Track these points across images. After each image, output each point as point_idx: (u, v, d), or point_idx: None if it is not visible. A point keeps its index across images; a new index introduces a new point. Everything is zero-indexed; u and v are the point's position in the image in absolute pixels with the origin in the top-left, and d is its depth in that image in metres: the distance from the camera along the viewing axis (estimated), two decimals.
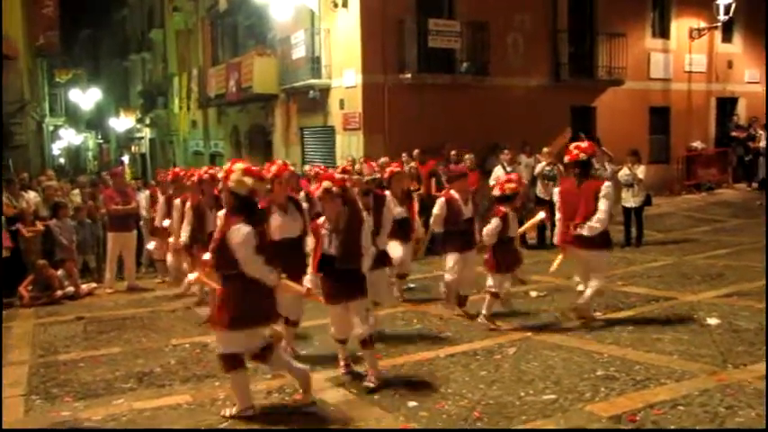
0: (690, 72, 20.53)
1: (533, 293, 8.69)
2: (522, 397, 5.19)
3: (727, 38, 21.13)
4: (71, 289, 10.27)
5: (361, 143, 15.78)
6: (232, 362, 5.01)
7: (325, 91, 17.05)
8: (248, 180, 4.97)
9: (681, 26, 20.32)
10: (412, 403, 5.17)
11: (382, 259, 7.15)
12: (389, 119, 15.72)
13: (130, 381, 6.05)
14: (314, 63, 17.08)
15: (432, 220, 7.79)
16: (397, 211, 8.08)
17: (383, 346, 6.71)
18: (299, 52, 17.39)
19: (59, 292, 10.18)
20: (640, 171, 12.03)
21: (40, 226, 10.91)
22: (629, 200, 12.10)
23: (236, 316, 4.91)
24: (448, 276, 7.61)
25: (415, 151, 13.69)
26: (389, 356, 6.40)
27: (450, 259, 7.56)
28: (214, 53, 25.22)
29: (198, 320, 8.08)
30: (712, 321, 6.97)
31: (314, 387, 5.59)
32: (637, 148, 12.68)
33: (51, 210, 11.31)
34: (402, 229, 8.33)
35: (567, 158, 7.33)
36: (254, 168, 5.16)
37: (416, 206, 9.21)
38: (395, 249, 8.14)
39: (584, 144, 7.38)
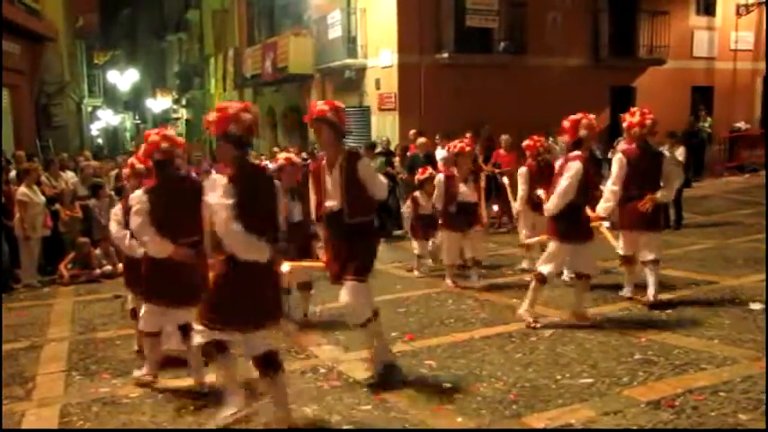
0: (735, 50, 19.99)
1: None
2: (558, 380, 5.12)
3: None
4: (109, 267, 10.42)
5: (397, 123, 15.71)
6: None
7: (361, 71, 16.99)
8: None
9: (727, 2, 19.76)
10: (446, 385, 5.13)
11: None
12: (425, 99, 15.62)
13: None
14: (350, 43, 17.02)
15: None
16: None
17: (417, 327, 6.69)
18: (334, 32, 17.33)
19: (98, 271, 10.35)
20: (680, 153, 11.73)
21: (78, 207, 11.09)
22: None
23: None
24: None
25: (437, 136, 13.55)
26: (423, 337, 6.37)
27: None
28: (250, 33, 25.26)
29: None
30: (755, 306, 6.79)
31: (347, 367, 5.59)
32: (675, 130, 12.38)
33: (90, 190, 11.47)
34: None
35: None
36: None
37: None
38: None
39: None
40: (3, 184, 10.34)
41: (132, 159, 6.11)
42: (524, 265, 9.17)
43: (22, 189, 10.01)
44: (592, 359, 5.53)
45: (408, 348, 6.07)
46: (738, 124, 19.70)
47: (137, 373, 5.55)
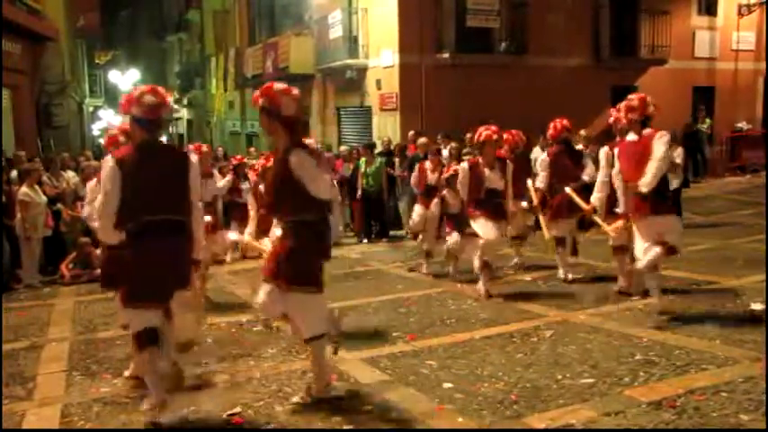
0: (737, 50, 19.98)
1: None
2: (559, 380, 5.11)
3: None
4: None
5: (398, 124, 15.71)
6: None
7: (362, 71, 16.98)
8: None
9: (729, 2, 19.75)
10: (447, 385, 5.12)
11: None
12: (426, 99, 15.62)
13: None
14: (351, 43, 17.02)
15: None
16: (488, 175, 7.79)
17: (418, 327, 6.69)
18: (335, 32, 17.34)
19: (99, 271, 10.33)
20: (677, 154, 11.70)
21: (79, 207, 11.08)
22: None
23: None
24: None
25: (438, 136, 13.55)
26: (424, 337, 6.37)
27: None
28: (251, 33, 25.28)
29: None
30: (757, 306, 6.76)
31: (347, 367, 5.58)
32: (673, 130, 12.36)
33: None
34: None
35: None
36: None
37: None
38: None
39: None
40: (4, 184, 10.34)
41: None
42: (516, 260, 9.19)
43: (24, 189, 10.01)
44: (593, 359, 5.53)
45: (409, 348, 6.07)
46: (740, 124, 19.70)
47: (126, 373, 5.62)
